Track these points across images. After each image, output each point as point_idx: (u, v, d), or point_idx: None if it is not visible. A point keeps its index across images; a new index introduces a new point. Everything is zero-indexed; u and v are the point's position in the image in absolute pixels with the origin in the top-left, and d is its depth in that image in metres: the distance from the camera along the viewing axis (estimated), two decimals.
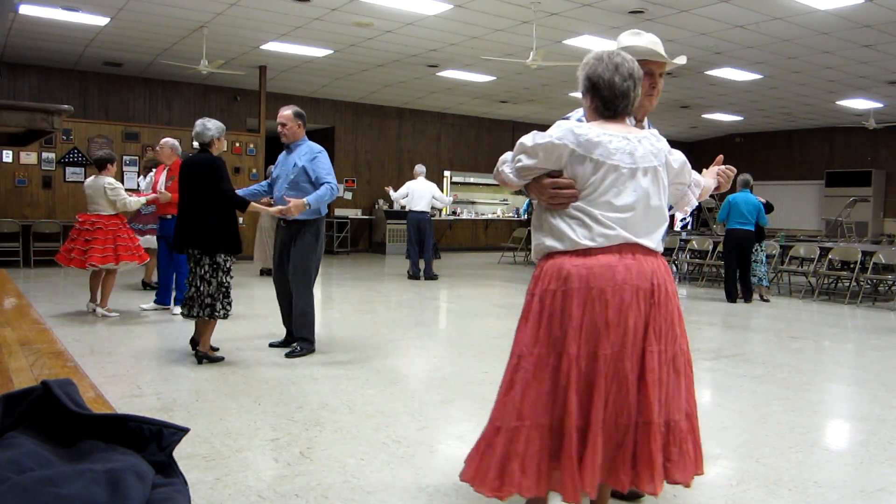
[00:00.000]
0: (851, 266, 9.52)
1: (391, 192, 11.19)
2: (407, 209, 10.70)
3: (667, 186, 2.26)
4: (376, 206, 15.64)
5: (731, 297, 8.97)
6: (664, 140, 2.31)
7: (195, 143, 5.01)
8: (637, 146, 2.18)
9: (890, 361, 5.83)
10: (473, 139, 17.66)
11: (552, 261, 2.20)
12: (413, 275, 10.56)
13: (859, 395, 4.71)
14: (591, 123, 2.24)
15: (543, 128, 2.33)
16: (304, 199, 4.95)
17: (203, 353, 4.89)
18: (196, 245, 4.77)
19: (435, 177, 17.07)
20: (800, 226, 16.34)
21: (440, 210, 14.40)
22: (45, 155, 11.24)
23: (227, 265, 4.83)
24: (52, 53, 11.23)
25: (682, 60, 2.68)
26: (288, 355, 5.11)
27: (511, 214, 18.23)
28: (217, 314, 4.81)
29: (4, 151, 10.86)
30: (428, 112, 16.70)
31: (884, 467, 3.28)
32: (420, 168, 10.79)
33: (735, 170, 2.72)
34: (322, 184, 5.06)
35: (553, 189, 2.20)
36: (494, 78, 12.70)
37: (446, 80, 12.92)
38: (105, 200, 6.47)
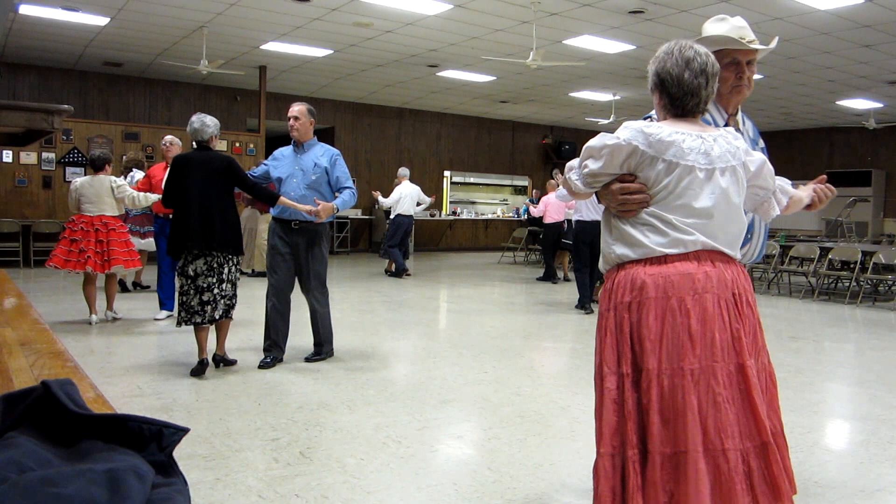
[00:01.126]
0: (851, 266, 9.52)
1: (380, 199, 11.32)
2: (395, 212, 10.80)
3: (744, 188, 2.08)
4: (376, 206, 15.63)
5: None
6: (741, 138, 2.12)
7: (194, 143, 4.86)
8: (713, 145, 2.01)
9: (890, 361, 5.83)
10: (473, 139, 17.66)
11: (624, 271, 2.03)
12: (403, 269, 10.80)
13: (859, 395, 4.71)
14: (662, 122, 2.07)
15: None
16: (334, 203, 4.79)
17: (222, 357, 4.80)
18: (222, 247, 4.53)
19: (435, 177, 17.13)
20: (800, 226, 16.33)
21: (427, 210, 14.49)
22: (45, 155, 11.24)
23: (237, 264, 4.77)
24: (52, 53, 11.23)
25: (773, 44, 2.50)
26: (308, 359, 5.07)
27: (511, 214, 18.22)
28: (232, 313, 4.76)
29: (4, 151, 10.86)
30: (428, 112, 16.70)
31: (884, 467, 3.28)
32: (404, 171, 11.00)
33: (836, 192, 2.40)
34: (344, 188, 4.93)
35: (622, 195, 2.03)
36: (494, 78, 12.70)
37: (446, 80, 12.92)
38: (112, 200, 6.35)
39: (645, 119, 2.27)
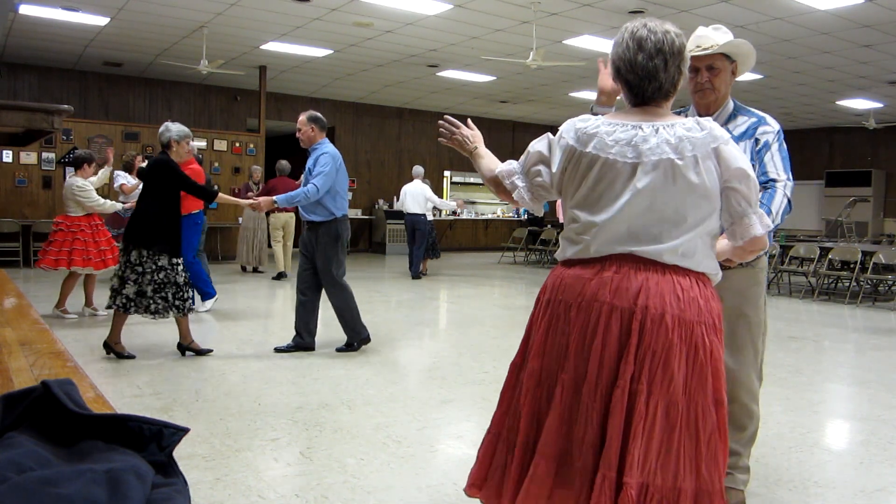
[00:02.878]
0: (851, 266, 9.52)
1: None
2: (404, 211, 10.93)
3: (708, 186, 1.78)
4: (376, 206, 15.65)
5: None
6: (712, 128, 1.81)
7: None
8: (650, 136, 1.79)
9: (890, 361, 5.83)
10: None
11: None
12: (415, 274, 10.76)
13: (859, 395, 4.71)
14: (617, 113, 1.94)
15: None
16: (273, 198, 5.20)
17: (186, 346, 5.07)
18: (145, 246, 4.74)
19: (435, 177, 17.10)
20: (800, 226, 16.33)
21: (441, 211, 14.54)
22: (45, 155, 11.24)
23: (172, 265, 4.86)
24: (52, 53, 11.23)
25: (720, 41, 2.56)
26: (340, 350, 5.36)
27: (511, 214, 18.22)
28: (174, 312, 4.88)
29: (4, 151, 10.86)
30: (428, 112, 16.70)
31: (884, 467, 3.28)
32: (417, 169, 10.98)
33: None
34: (308, 183, 5.15)
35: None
36: (494, 78, 12.70)
37: (446, 80, 12.92)
38: (72, 201, 6.35)
39: (679, 113, 2.37)
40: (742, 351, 2.66)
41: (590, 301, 1.78)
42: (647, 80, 1.82)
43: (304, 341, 5.33)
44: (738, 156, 1.80)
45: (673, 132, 1.79)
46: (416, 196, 10.64)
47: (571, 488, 1.75)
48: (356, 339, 5.39)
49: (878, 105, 13.93)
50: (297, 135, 5.31)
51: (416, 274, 10.74)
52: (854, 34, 9.11)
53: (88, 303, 6.66)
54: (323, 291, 5.35)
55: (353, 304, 5.35)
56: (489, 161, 2.31)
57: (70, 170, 11.32)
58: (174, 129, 4.96)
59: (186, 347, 5.07)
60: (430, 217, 10.91)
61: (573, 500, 1.74)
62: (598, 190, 1.83)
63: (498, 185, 2.17)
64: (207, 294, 6.92)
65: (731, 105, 2.70)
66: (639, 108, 1.88)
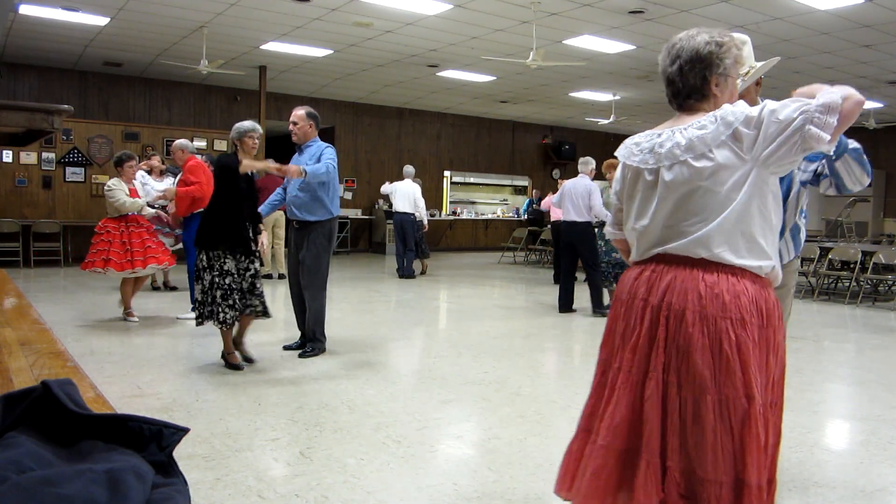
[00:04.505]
0: (851, 266, 9.52)
1: (385, 186, 11.38)
2: (393, 209, 10.90)
3: (731, 178, 1.79)
4: (376, 206, 15.64)
5: None
6: (727, 115, 1.80)
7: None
8: (665, 141, 1.88)
9: (890, 361, 5.83)
10: (473, 139, 17.66)
11: None
12: (404, 273, 10.70)
13: (859, 395, 4.71)
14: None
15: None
16: (302, 167, 4.87)
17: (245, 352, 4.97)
18: (213, 247, 4.64)
19: (435, 177, 17.12)
20: None
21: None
22: (45, 155, 11.24)
23: (243, 264, 4.81)
24: (52, 53, 11.23)
25: (753, 73, 2.49)
26: (301, 356, 5.15)
27: (511, 214, 18.22)
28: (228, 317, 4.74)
29: (4, 151, 10.86)
30: (428, 112, 16.70)
31: (884, 467, 3.28)
32: (408, 169, 10.92)
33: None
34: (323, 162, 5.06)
35: None
36: (494, 78, 12.69)
37: (446, 80, 12.92)
38: (106, 204, 6.38)
39: None
40: None
41: (632, 298, 1.94)
42: (669, 85, 1.95)
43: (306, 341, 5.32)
44: (739, 118, 1.79)
45: (686, 134, 1.85)
46: (406, 195, 10.62)
47: (622, 473, 1.87)
48: (317, 346, 5.21)
49: (878, 105, 13.93)
50: (292, 128, 5.18)
51: (409, 273, 10.72)
52: (854, 34, 9.11)
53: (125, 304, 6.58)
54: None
55: (325, 313, 5.29)
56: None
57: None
58: (237, 127, 4.88)
59: (236, 355, 4.82)
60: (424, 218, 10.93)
61: (624, 485, 1.85)
62: (636, 197, 1.99)
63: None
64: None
65: None
66: (678, 115, 1.97)
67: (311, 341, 5.25)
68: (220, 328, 4.66)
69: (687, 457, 1.77)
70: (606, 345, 2.03)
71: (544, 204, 10.97)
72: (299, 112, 5.23)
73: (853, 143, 2.32)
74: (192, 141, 7.33)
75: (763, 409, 1.82)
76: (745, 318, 1.79)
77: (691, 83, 1.89)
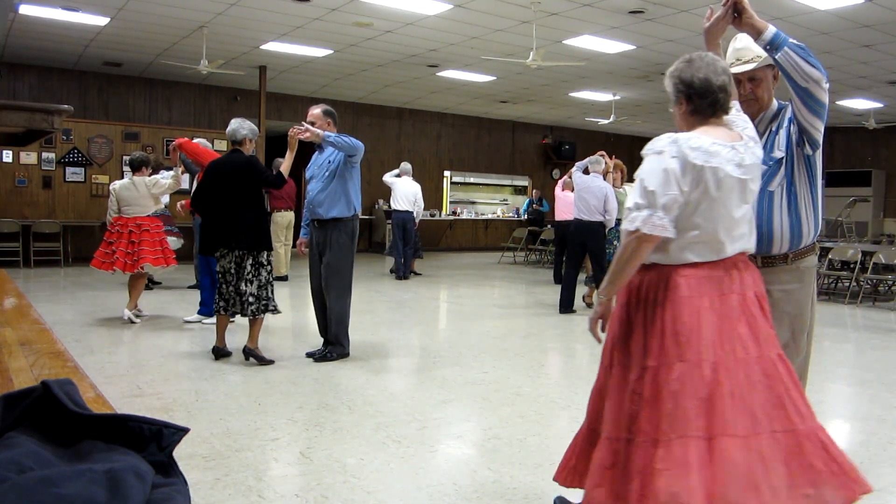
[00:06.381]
0: (851, 266, 9.52)
1: (387, 176, 11.13)
2: (391, 209, 10.80)
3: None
4: (376, 206, 15.64)
5: None
6: (756, 143, 2.26)
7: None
8: (747, 154, 2.18)
9: (890, 361, 5.83)
10: (473, 139, 17.66)
11: None
12: (403, 274, 10.66)
13: (859, 395, 4.71)
14: None
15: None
16: (323, 133, 4.80)
17: (251, 350, 4.91)
18: (238, 245, 4.77)
19: (435, 177, 17.12)
20: None
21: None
22: (45, 155, 11.23)
23: (269, 262, 4.93)
24: (52, 53, 11.23)
25: (752, 64, 2.62)
26: (319, 359, 5.02)
27: (511, 214, 18.22)
28: (263, 311, 4.88)
29: (4, 151, 10.86)
30: (428, 112, 16.70)
31: (884, 467, 3.28)
32: (405, 167, 10.77)
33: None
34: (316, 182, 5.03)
35: None
36: (494, 78, 12.69)
37: (446, 80, 12.92)
38: (148, 201, 6.41)
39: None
40: (786, 348, 2.62)
41: (723, 293, 2.11)
42: (717, 92, 2.18)
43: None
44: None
45: (754, 152, 2.23)
46: (406, 195, 10.52)
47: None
48: (338, 351, 5.09)
49: (878, 105, 13.92)
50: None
51: (406, 274, 10.68)
52: (854, 34, 9.11)
53: (132, 304, 6.57)
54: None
55: (349, 315, 5.15)
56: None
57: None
58: (247, 126, 5.01)
59: (251, 352, 4.91)
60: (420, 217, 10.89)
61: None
62: (722, 202, 2.19)
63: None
64: (208, 309, 6.43)
65: (774, 106, 2.68)
66: (710, 122, 2.22)
67: (332, 345, 5.08)
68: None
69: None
70: (703, 346, 2.02)
71: (559, 189, 10.45)
72: (315, 111, 5.09)
73: (794, 40, 2.39)
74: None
75: None
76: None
77: (732, 94, 2.21)
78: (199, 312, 6.49)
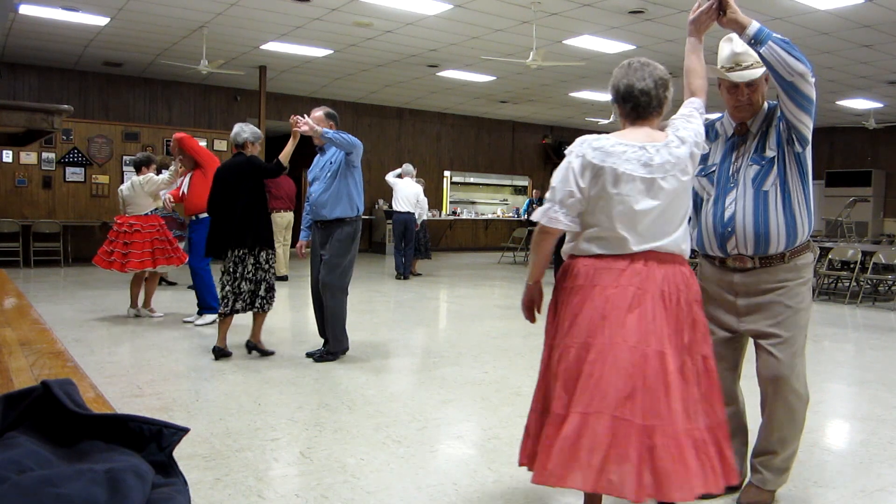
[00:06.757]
0: (851, 266, 9.52)
1: (389, 176, 11.10)
2: (392, 209, 10.81)
3: (690, 185, 2.36)
4: (376, 206, 15.65)
5: None
6: (687, 143, 2.30)
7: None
8: (656, 154, 2.26)
9: (890, 361, 5.83)
10: (473, 139, 17.66)
11: None
12: (404, 274, 10.68)
13: (859, 395, 4.71)
14: None
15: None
16: (322, 129, 4.84)
17: (255, 344, 5.13)
18: (241, 244, 4.91)
19: (435, 177, 17.12)
20: None
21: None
22: (45, 155, 11.24)
23: (271, 260, 5.06)
24: (52, 53, 11.23)
25: (753, 73, 2.63)
26: (318, 359, 5.02)
27: (511, 214, 18.22)
28: (266, 308, 5.07)
29: (4, 151, 10.86)
30: (428, 112, 16.70)
31: (884, 467, 3.28)
32: (407, 168, 10.76)
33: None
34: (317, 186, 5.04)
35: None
36: (494, 78, 12.69)
37: (446, 80, 12.92)
38: (142, 200, 6.44)
39: (714, 122, 2.73)
40: (788, 343, 2.62)
41: (620, 287, 2.21)
42: (639, 97, 2.32)
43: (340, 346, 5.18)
44: (698, 138, 2.33)
45: (673, 152, 2.27)
46: (408, 196, 10.51)
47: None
48: (339, 348, 5.10)
49: (878, 105, 13.92)
50: None
51: (406, 274, 10.70)
52: (854, 34, 9.11)
53: (146, 303, 6.64)
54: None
55: (346, 313, 5.15)
56: None
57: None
58: (248, 130, 5.13)
59: (254, 346, 5.14)
60: (425, 217, 10.88)
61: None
62: (618, 200, 2.30)
63: None
64: (212, 308, 6.37)
65: (765, 107, 2.67)
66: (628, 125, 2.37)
67: (329, 343, 5.08)
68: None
69: (685, 418, 2.09)
70: (580, 330, 2.19)
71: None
72: (317, 113, 5.11)
73: (778, 35, 2.39)
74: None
75: None
76: (700, 299, 2.30)
77: (660, 98, 2.29)
78: (207, 313, 6.53)
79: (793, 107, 2.49)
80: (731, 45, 2.61)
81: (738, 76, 2.56)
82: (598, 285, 2.17)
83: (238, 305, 4.93)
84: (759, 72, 2.55)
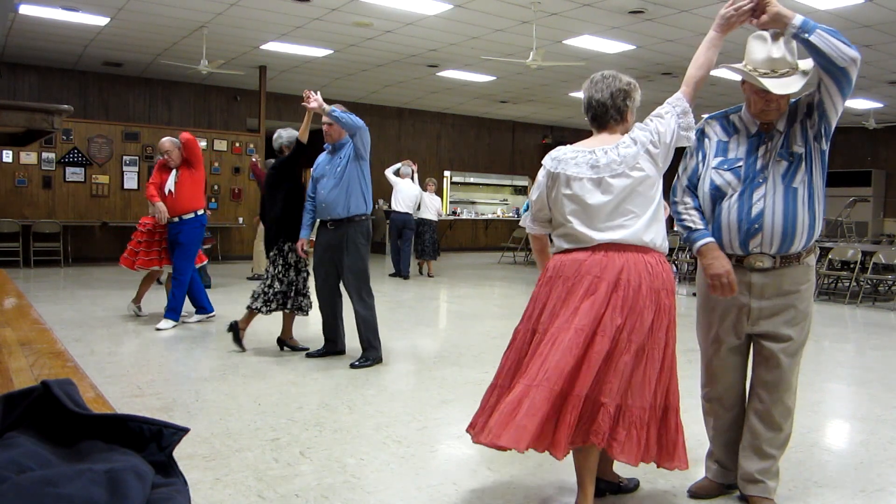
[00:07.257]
0: (851, 266, 9.52)
1: (388, 172, 10.96)
2: (391, 209, 10.77)
3: (654, 180, 2.51)
4: (376, 206, 15.65)
5: None
6: (638, 144, 2.48)
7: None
8: (602, 156, 2.49)
9: (890, 361, 5.83)
10: (473, 139, 17.66)
11: None
12: (403, 274, 10.67)
13: (859, 395, 4.71)
14: None
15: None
16: (329, 107, 4.71)
17: (285, 340, 5.36)
18: (273, 242, 5.20)
19: (435, 177, 17.09)
20: None
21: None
22: (45, 155, 11.23)
23: (299, 264, 5.26)
24: (52, 53, 11.23)
25: (796, 62, 2.54)
26: (354, 366, 4.86)
27: (511, 214, 18.22)
28: (296, 309, 5.27)
29: (4, 151, 10.86)
30: (428, 112, 16.70)
31: (884, 467, 3.28)
32: (406, 169, 10.72)
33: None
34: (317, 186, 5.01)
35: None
36: (494, 78, 12.70)
37: (446, 80, 12.92)
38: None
39: (730, 113, 2.74)
40: (796, 346, 2.62)
41: (579, 276, 2.45)
42: (597, 108, 2.57)
43: (334, 347, 5.17)
44: (658, 135, 2.50)
45: (619, 151, 2.48)
46: (408, 197, 10.51)
47: (549, 412, 2.32)
48: (373, 355, 4.97)
49: (878, 105, 13.93)
50: (327, 129, 4.91)
51: (406, 273, 10.69)
52: (854, 34, 9.11)
53: (136, 299, 6.67)
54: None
55: (376, 316, 5.02)
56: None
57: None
58: (285, 135, 5.35)
59: (286, 342, 5.34)
60: (435, 218, 10.87)
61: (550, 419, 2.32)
62: (571, 200, 2.57)
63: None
64: (203, 308, 6.46)
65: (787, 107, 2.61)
66: (594, 134, 2.62)
67: (366, 350, 4.96)
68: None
69: (619, 394, 2.32)
70: (542, 314, 2.47)
71: None
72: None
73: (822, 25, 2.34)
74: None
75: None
76: (671, 288, 2.46)
77: (618, 107, 2.50)
78: (198, 313, 6.53)
79: (836, 94, 2.43)
80: (767, 47, 2.46)
81: (777, 86, 2.43)
82: (562, 276, 2.46)
83: (273, 305, 5.12)
84: (799, 85, 2.46)
